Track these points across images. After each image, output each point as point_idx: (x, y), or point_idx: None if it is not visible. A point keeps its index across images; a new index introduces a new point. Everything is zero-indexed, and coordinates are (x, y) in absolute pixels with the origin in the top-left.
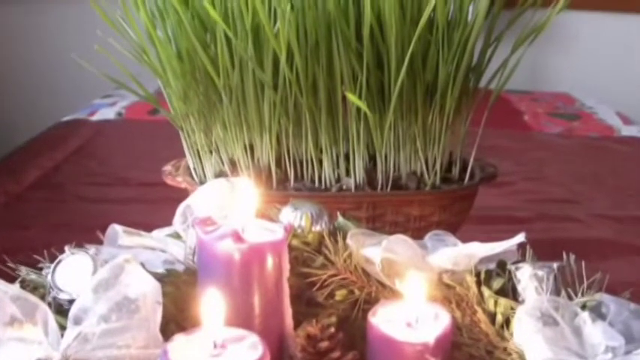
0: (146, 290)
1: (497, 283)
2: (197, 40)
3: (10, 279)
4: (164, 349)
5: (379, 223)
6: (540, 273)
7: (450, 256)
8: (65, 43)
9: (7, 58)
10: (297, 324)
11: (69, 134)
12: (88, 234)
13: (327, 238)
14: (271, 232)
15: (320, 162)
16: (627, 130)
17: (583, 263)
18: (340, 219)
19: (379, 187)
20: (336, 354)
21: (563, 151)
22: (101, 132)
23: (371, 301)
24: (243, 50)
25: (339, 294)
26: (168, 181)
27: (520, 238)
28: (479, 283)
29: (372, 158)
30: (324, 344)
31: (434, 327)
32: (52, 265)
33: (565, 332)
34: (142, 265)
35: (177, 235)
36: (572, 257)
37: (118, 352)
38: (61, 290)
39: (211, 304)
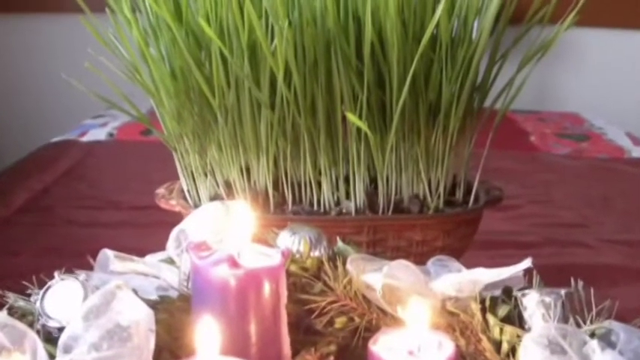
0: (139, 318)
1: (502, 311)
2: (191, 58)
3: None
4: None
5: (380, 248)
6: (547, 300)
7: (454, 282)
8: (54, 62)
9: None
10: (295, 353)
11: (58, 156)
12: (78, 259)
13: (326, 263)
14: (268, 258)
15: (319, 184)
16: (638, 152)
17: (592, 290)
18: (340, 244)
19: (380, 210)
20: None
21: (571, 173)
22: (92, 153)
23: (372, 329)
24: (239, 68)
25: (339, 321)
26: (162, 204)
27: (527, 263)
28: (484, 311)
29: (373, 181)
30: None
31: (437, 356)
32: (41, 292)
33: None
34: (135, 291)
35: (170, 261)
36: (581, 283)
37: None
38: (50, 317)
39: (206, 332)
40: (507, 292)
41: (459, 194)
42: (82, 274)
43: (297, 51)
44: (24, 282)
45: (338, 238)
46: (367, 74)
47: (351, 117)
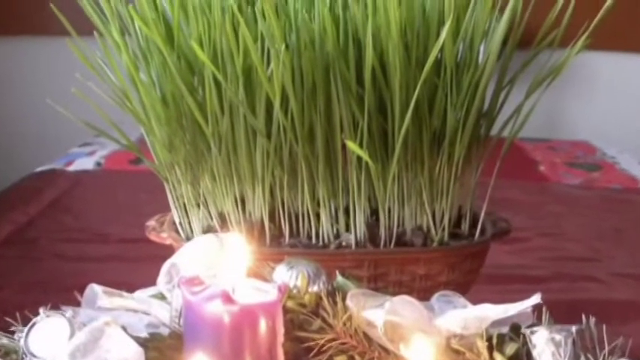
0: (128, 356)
1: (510, 349)
2: (183, 84)
3: None
4: None
5: (382, 283)
6: (558, 337)
7: (459, 318)
8: (39, 87)
9: None
10: None
11: (44, 186)
12: (64, 294)
13: (325, 299)
14: (264, 293)
15: (317, 216)
16: None
17: (604, 326)
18: (339, 278)
19: (382, 243)
20: None
21: (582, 204)
22: (79, 184)
23: None
24: (234, 94)
25: None
26: (152, 237)
27: (535, 299)
28: (490, 349)
29: (374, 212)
30: None
31: None
32: (26, 329)
33: None
34: (124, 328)
35: (161, 296)
36: (592, 320)
37: None
38: (35, 356)
39: None
40: (515, 329)
41: (465, 226)
42: (69, 311)
43: (295, 76)
44: (7, 319)
45: (337, 273)
46: (368, 100)
47: (351, 145)
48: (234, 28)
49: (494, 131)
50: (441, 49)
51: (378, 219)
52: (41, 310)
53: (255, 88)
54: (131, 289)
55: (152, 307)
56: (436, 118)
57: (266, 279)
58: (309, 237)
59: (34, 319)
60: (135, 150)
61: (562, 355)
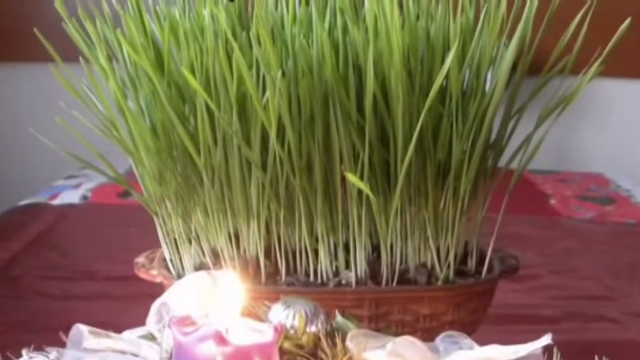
0: None
1: None
2: (174, 113)
3: None
4: None
5: (384, 323)
6: None
7: None
8: (22, 115)
9: None
10: None
11: (27, 221)
12: (48, 335)
13: (323, 340)
14: (259, 334)
15: (316, 253)
16: None
17: None
18: (339, 318)
19: (384, 281)
20: None
21: (595, 239)
22: (64, 218)
23: None
24: (227, 124)
25: None
26: (141, 274)
27: (546, 339)
28: None
29: (376, 248)
30: None
31: None
32: None
33: None
34: None
35: (151, 337)
36: None
37: None
38: None
39: None
40: None
41: (471, 263)
42: (53, 352)
43: (292, 104)
44: None
45: (337, 312)
46: (369, 130)
47: (352, 177)
48: (227, 53)
49: (502, 163)
50: (446, 76)
51: (379, 255)
52: (24, 352)
53: (249, 117)
54: (119, 329)
55: (141, 348)
56: (441, 149)
57: (261, 319)
58: (307, 274)
59: None
60: (123, 182)
61: None
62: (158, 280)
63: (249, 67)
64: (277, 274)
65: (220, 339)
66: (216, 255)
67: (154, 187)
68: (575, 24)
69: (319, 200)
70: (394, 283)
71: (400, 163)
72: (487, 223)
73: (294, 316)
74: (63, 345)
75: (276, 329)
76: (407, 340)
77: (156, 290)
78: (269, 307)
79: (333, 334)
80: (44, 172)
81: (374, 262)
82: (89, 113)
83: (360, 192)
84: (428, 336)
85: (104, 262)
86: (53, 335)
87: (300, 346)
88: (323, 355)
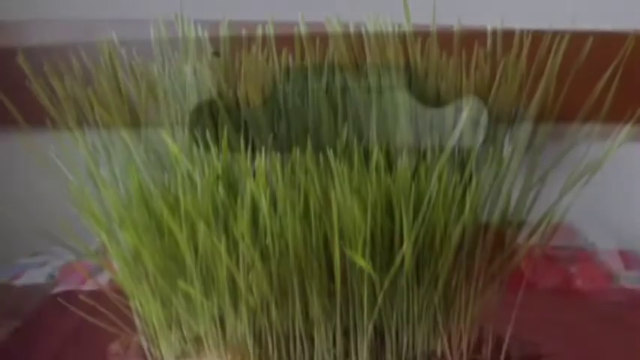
0: None
1: None
2: (152, 182)
3: None
4: None
5: None
6: None
7: None
8: None
9: None
10: None
11: None
12: None
13: None
14: None
15: (311, 339)
16: None
17: None
18: None
19: None
20: None
21: (627, 323)
22: (28, 300)
23: None
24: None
25: None
26: None
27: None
28: None
29: (380, 335)
30: None
31: None
32: None
33: None
34: None
35: None
36: None
37: None
38: None
39: None
40: None
41: (487, 351)
42: None
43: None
44: None
45: None
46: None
47: (353, 255)
48: (213, 115)
49: (521, 238)
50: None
51: (383, 343)
52: None
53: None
54: None
55: None
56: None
57: None
58: None
59: None
60: (95, 260)
61: None
62: None
63: (237, 131)
64: None
65: None
66: (199, 342)
67: (129, 266)
68: (603, 81)
69: (315, 279)
70: None
71: (407, 238)
72: (504, 305)
73: None
74: None
75: None
76: None
77: None
78: None
79: None
80: (6, 248)
81: (377, 350)
82: (57, 183)
83: (361, 271)
84: None
85: (73, 350)
86: None
87: None
88: None
